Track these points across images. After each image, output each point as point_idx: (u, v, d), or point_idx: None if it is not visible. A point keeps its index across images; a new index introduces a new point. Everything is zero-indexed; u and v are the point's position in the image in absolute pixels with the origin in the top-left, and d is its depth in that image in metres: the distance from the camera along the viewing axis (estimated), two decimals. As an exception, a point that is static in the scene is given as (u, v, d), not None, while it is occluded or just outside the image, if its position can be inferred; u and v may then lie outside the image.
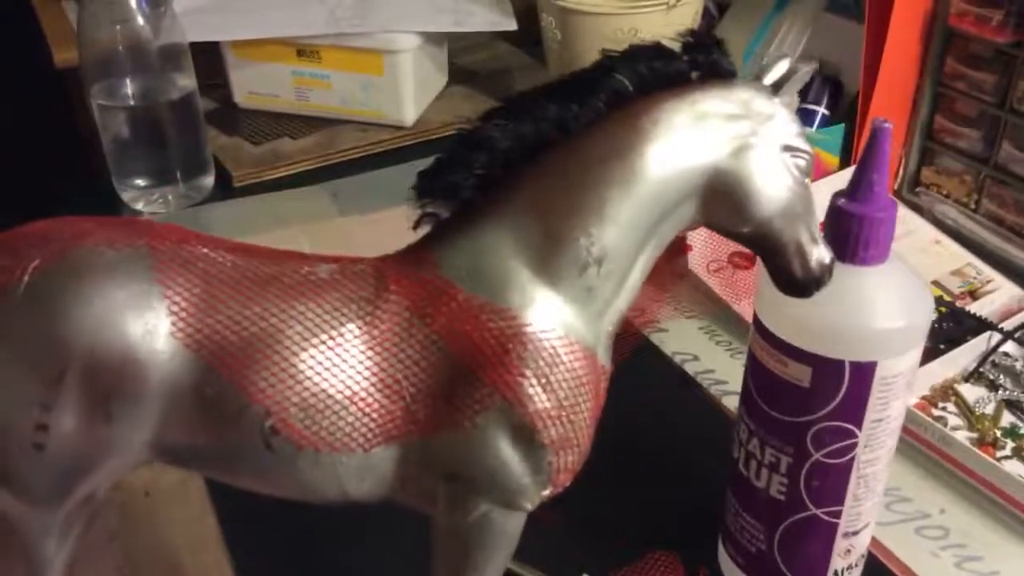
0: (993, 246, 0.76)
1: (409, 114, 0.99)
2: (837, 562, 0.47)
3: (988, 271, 0.73)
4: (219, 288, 0.35)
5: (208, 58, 0.95)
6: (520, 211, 0.37)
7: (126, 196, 0.86)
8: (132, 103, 0.83)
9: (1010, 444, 0.60)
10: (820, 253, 0.39)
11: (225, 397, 0.34)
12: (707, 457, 0.56)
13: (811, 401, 0.43)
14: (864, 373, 0.42)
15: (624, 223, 0.37)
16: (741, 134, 0.37)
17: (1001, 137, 0.74)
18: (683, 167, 0.37)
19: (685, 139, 0.37)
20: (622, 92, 0.37)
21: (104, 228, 0.35)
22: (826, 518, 0.46)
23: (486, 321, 0.36)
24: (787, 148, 0.38)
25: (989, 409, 0.62)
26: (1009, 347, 0.66)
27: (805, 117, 0.86)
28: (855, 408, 0.43)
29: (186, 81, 0.84)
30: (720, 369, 0.68)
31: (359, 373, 0.35)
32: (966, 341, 0.65)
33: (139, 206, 0.86)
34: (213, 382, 0.34)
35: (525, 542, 0.40)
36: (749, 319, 0.47)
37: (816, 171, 0.81)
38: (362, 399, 0.35)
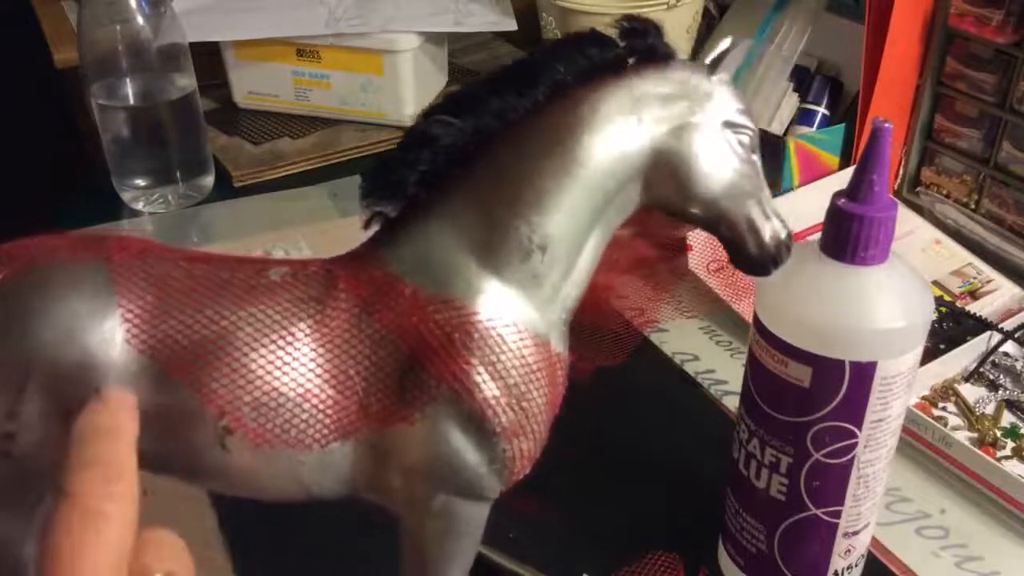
0: (993, 246, 0.76)
1: (409, 114, 0.99)
2: (837, 562, 0.47)
3: (988, 271, 0.74)
4: (173, 295, 0.35)
5: (208, 58, 0.95)
6: (463, 203, 0.38)
7: (126, 196, 0.86)
8: (132, 103, 0.83)
9: (1010, 444, 0.60)
10: (774, 228, 0.39)
11: (180, 400, 0.35)
12: (707, 457, 0.56)
13: (811, 401, 0.43)
14: (864, 373, 0.42)
15: (565, 209, 0.37)
16: (680, 114, 0.38)
17: (1001, 137, 0.74)
18: (623, 151, 0.38)
19: (623, 124, 0.37)
20: (561, 81, 0.38)
21: (72, 244, 0.36)
22: (826, 518, 0.46)
23: (432, 312, 0.36)
24: (729, 125, 0.38)
25: (989, 409, 0.62)
26: (1009, 347, 0.66)
27: (805, 117, 0.86)
28: (855, 408, 0.43)
29: (186, 81, 0.84)
30: (720, 369, 0.68)
31: (311, 371, 0.35)
32: (966, 341, 0.65)
33: (139, 206, 0.86)
34: (168, 386, 0.34)
35: (525, 542, 0.40)
36: (749, 319, 0.47)
37: (816, 171, 0.81)
38: (315, 395, 0.35)
